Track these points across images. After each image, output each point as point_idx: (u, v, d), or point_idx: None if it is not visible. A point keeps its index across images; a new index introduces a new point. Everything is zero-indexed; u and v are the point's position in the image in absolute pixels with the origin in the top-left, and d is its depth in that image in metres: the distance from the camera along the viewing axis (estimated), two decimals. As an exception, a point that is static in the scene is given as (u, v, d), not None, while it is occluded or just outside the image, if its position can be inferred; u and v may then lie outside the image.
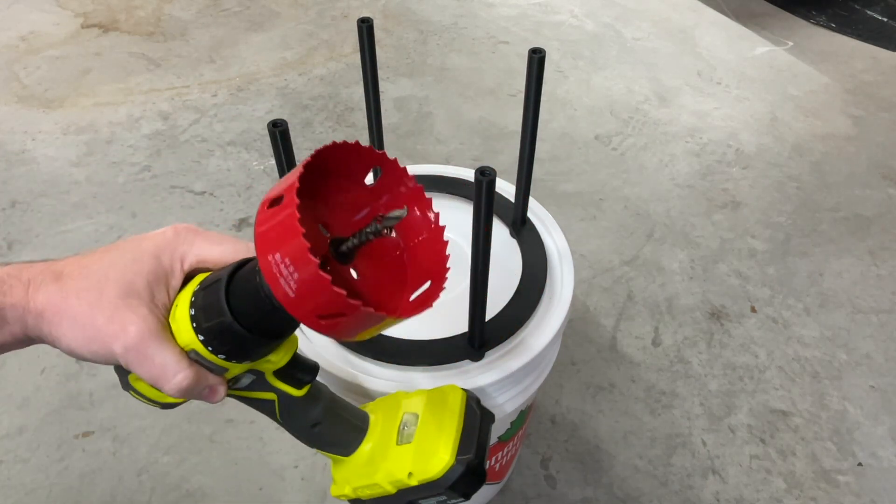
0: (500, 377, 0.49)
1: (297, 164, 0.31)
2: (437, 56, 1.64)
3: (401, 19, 1.78)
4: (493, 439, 0.60)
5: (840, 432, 0.89)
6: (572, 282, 0.57)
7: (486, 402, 0.52)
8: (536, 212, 0.64)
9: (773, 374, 0.96)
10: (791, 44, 1.79)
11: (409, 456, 0.42)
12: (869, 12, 1.96)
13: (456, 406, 0.44)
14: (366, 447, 0.44)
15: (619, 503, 0.80)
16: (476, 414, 0.44)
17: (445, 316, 0.55)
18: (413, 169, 0.69)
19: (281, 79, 1.52)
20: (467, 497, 0.42)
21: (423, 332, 0.53)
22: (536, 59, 0.50)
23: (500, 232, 0.63)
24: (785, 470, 0.85)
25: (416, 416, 0.43)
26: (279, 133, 0.42)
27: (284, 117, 1.53)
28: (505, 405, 0.53)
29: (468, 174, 0.69)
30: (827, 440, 0.88)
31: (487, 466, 0.65)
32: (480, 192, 0.42)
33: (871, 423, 0.91)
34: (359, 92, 1.49)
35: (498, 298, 0.55)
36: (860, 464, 0.86)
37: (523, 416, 0.62)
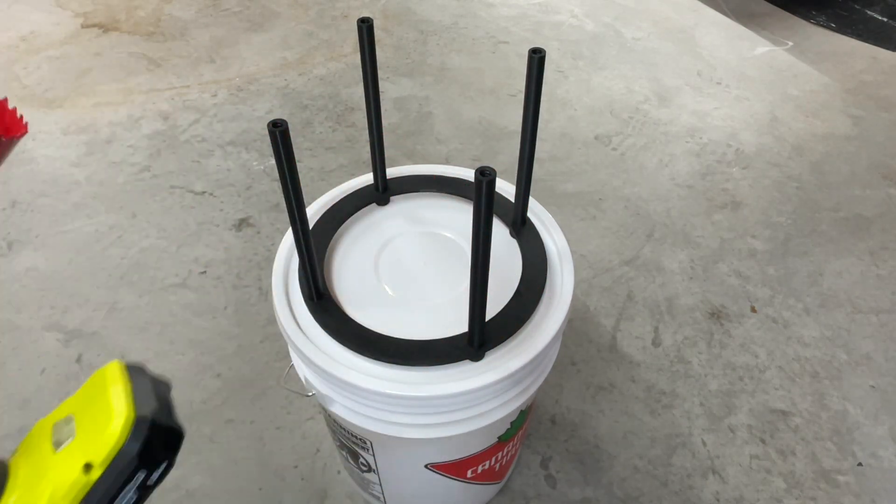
0: (500, 377, 0.49)
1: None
2: (437, 56, 1.64)
3: (401, 19, 1.78)
4: (493, 439, 0.61)
5: (840, 432, 0.89)
6: (572, 282, 0.57)
7: (486, 402, 0.52)
8: (536, 212, 0.64)
9: (773, 374, 0.96)
10: (791, 44, 1.79)
11: (76, 451, 0.33)
12: (869, 12, 1.96)
13: (116, 376, 0.36)
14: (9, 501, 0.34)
15: (619, 503, 0.80)
16: (146, 376, 0.38)
17: (445, 316, 0.55)
18: (413, 169, 0.69)
19: (281, 79, 1.52)
20: (171, 461, 0.36)
21: (422, 332, 0.53)
22: (536, 59, 0.50)
23: (500, 232, 0.63)
24: (785, 470, 0.85)
25: (71, 415, 0.36)
26: (279, 133, 0.42)
27: (284, 117, 1.53)
28: (505, 405, 0.53)
29: (468, 174, 0.69)
30: (827, 440, 0.88)
31: (487, 467, 0.65)
32: (480, 193, 0.41)
33: (871, 423, 0.91)
34: (359, 92, 1.49)
35: (498, 298, 0.55)
36: (860, 464, 0.86)
37: (523, 416, 0.62)
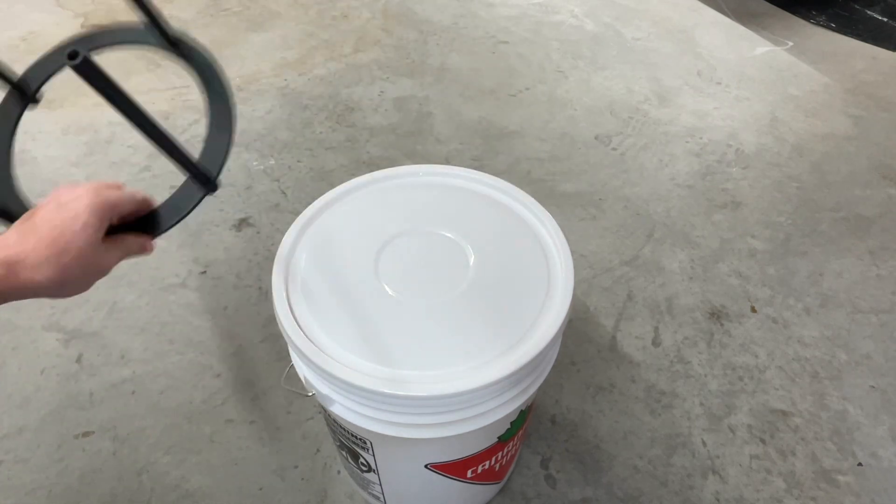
0: (500, 377, 0.49)
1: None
2: (437, 56, 1.64)
3: (401, 19, 1.78)
4: (493, 439, 0.61)
5: (840, 432, 0.89)
6: (572, 282, 0.57)
7: (486, 402, 0.52)
8: (536, 212, 0.64)
9: (773, 374, 0.96)
10: (791, 44, 1.79)
11: None
12: (869, 12, 1.96)
13: None
14: None
15: (619, 503, 0.80)
16: None
17: (445, 316, 0.55)
18: (413, 169, 0.69)
19: (281, 79, 1.52)
20: None
21: (422, 331, 0.53)
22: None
23: (509, 232, 0.63)
24: (785, 470, 0.85)
25: None
26: (82, 65, 0.40)
27: (284, 117, 1.53)
28: (505, 405, 0.53)
29: (469, 174, 0.69)
30: (827, 440, 0.88)
31: (487, 467, 0.65)
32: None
33: (871, 423, 0.91)
34: (358, 92, 1.49)
35: (498, 298, 0.55)
36: (860, 464, 0.86)
37: (523, 416, 0.62)
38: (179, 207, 0.56)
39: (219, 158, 0.60)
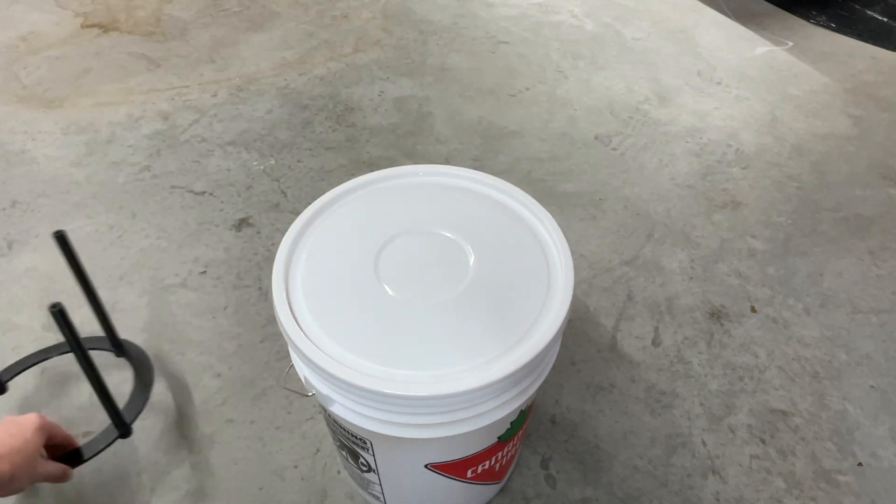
0: (500, 377, 0.49)
1: None
2: (437, 56, 1.64)
3: (401, 19, 1.78)
4: (493, 439, 0.61)
5: (840, 432, 0.89)
6: (572, 282, 0.57)
7: (486, 402, 0.52)
8: (536, 212, 0.64)
9: (773, 374, 0.96)
10: (791, 44, 1.79)
11: None
12: (869, 12, 1.96)
13: None
14: None
15: (619, 503, 0.80)
16: None
17: (445, 315, 0.55)
18: (413, 169, 0.69)
19: (281, 79, 1.52)
20: None
21: (422, 331, 0.53)
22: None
23: (509, 232, 0.63)
24: (785, 470, 0.85)
25: None
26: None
27: (284, 117, 1.53)
28: (505, 405, 0.53)
29: (469, 174, 0.69)
30: (827, 440, 0.88)
31: (488, 467, 0.65)
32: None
33: (871, 423, 0.91)
34: (359, 92, 1.49)
35: (498, 298, 0.55)
36: (860, 464, 0.86)
37: (523, 416, 0.62)
38: (96, 445, 0.74)
39: (135, 412, 0.79)
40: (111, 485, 0.80)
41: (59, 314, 0.62)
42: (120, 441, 0.75)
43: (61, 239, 0.76)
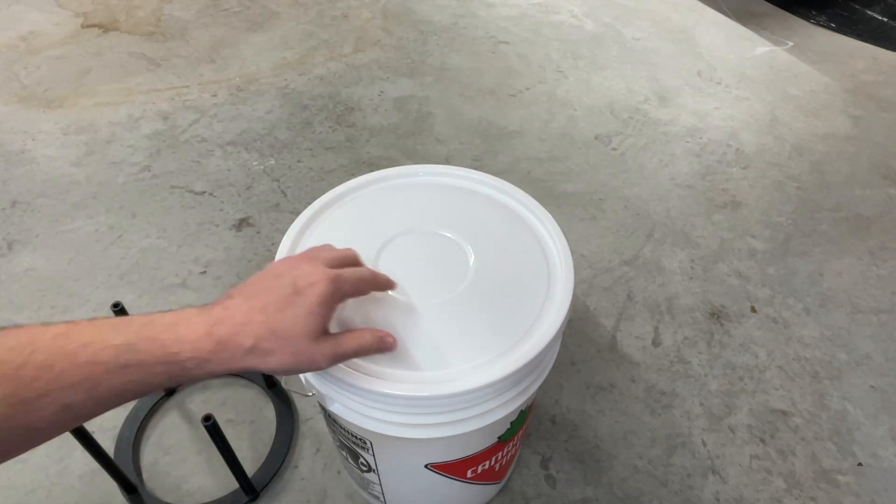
0: (500, 377, 0.49)
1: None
2: (437, 56, 1.64)
3: (401, 19, 1.78)
4: (493, 439, 0.61)
5: (840, 432, 0.89)
6: (572, 282, 0.57)
7: (486, 402, 0.52)
8: (536, 212, 0.64)
9: (773, 374, 0.96)
10: (791, 44, 1.79)
11: None
12: (869, 12, 1.96)
13: None
14: None
15: (619, 503, 0.80)
16: None
17: (445, 315, 0.55)
18: (413, 169, 0.69)
19: (281, 79, 1.52)
20: None
21: (422, 331, 0.53)
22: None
23: (509, 232, 0.63)
24: (785, 470, 0.85)
25: None
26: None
27: (284, 117, 1.53)
28: (505, 405, 0.53)
29: (469, 174, 0.69)
30: (827, 440, 0.88)
31: (487, 467, 0.65)
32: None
33: (871, 423, 0.91)
34: (359, 92, 1.49)
35: (498, 298, 0.55)
36: (860, 464, 0.86)
37: (523, 416, 0.62)
38: None
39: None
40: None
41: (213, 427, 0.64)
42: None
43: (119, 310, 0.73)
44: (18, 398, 0.34)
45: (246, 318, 0.42)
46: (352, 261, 0.52)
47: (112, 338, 0.38)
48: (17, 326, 0.37)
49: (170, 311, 0.42)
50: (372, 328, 0.49)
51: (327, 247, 0.52)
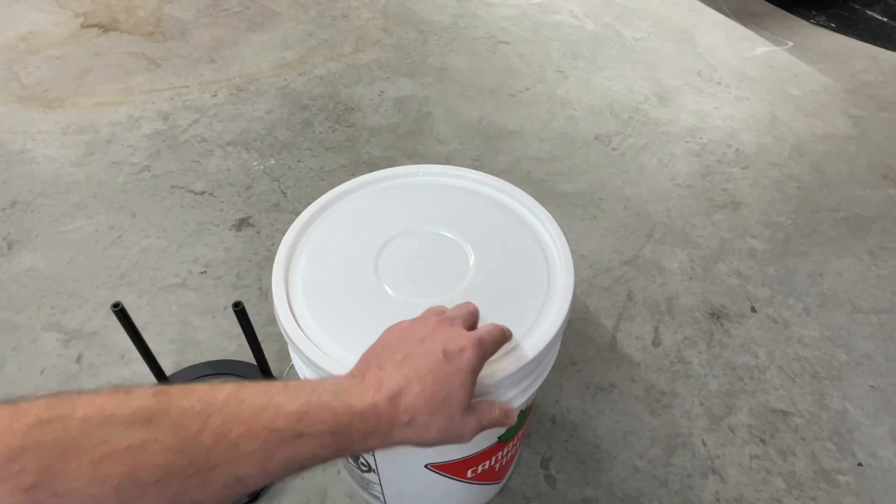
0: (500, 377, 0.49)
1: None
2: (437, 56, 1.64)
3: (401, 19, 1.78)
4: (493, 439, 0.61)
5: (840, 432, 0.89)
6: (572, 282, 0.57)
7: (486, 402, 0.52)
8: (536, 212, 0.64)
9: (773, 374, 0.96)
10: (791, 44, 1.79)
11: None
12: (869, 12, 1.96)
13: None
14: None
15: (619, 503, 0.80)
16: None
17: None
18: (413, 169, 0.69)
19: (281, 79, 1.52)
20: None
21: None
22: None
23: (509, 232, 0.63)
24: (785, 470, 0.85)
25: None
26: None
27: (284, 117, 1.53)
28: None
29: (469, 174, 0.69)
30: (827, 440, 0.88)
31: (488, 467, 0.65)
32: None
33: (871, 423, 0.91)
34: (359, 92, 1.49)
35: (498, 298, 0.55)
36: (860, 464, 0.86)
37: (523, 416, 0.62)
38: None
39: None
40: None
41: None
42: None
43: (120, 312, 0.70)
44: (195, 469, 0.30)
45: (400, 387, 0.39)
46: (476, 316, 0.50)
47: (286, 403, 0.34)
48: (184, 387, 0.32)
49: (319, 378, 0.39)
50: (500, 402, 0.47)
51: (443, 307, 0.51)
